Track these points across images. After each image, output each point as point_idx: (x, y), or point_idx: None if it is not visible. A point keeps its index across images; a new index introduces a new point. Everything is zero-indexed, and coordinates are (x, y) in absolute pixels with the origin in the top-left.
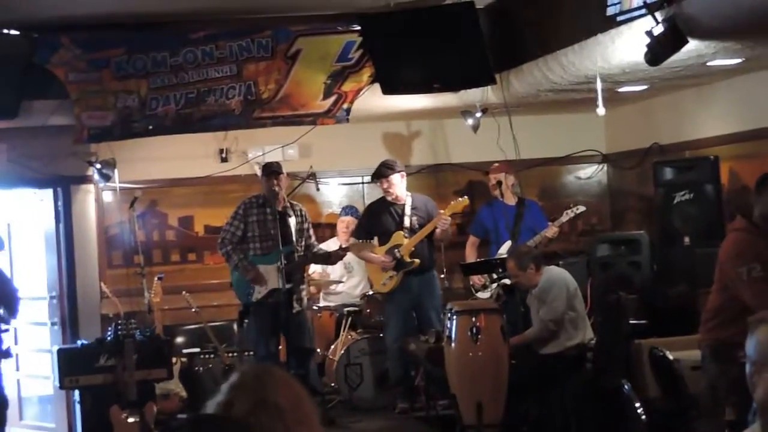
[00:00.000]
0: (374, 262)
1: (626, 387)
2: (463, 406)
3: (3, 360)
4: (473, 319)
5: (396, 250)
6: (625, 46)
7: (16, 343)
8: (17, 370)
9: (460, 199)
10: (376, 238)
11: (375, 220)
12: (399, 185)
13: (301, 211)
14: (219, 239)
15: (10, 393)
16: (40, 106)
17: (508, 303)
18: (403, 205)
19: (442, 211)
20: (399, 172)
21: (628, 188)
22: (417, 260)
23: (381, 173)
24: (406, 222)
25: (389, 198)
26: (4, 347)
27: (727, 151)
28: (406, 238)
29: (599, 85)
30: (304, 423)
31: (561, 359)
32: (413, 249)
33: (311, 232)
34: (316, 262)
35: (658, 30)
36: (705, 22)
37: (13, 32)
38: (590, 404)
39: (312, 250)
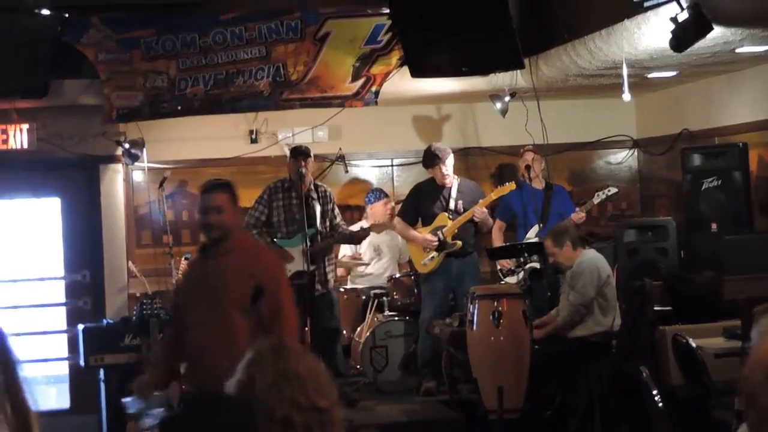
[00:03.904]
0: (417, 241)
1: (644, 374)
2: (484, 390)
3: None
4: (495, 303)
5: (439, 231)
6: (652, 32)
7: None
8: None
9: (507, 183)
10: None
11: (422, 201)
12: (451, 170)
13: (325, 192)
14: (243, 224)
15: None
16: (70, 85)
17: (535, 288)
18: (450, 188)
19: (480, 201)
20: (450, 155)
21: (657, 174)
22: (459, 242)
23: (435, 161)
24: (452, 205)
25: (441, 183)
26: None
27: (756, 138)
28: (450, 220)
29: (625, 71)
30: (321, 392)
31: (586, 344)
32: (456, 231)
33: (337, 212)
34: (339, 243)
35: (683, 16)
36: (730, 9)
37: (44, 12)
38: (613, 390)
39: (337, 230)
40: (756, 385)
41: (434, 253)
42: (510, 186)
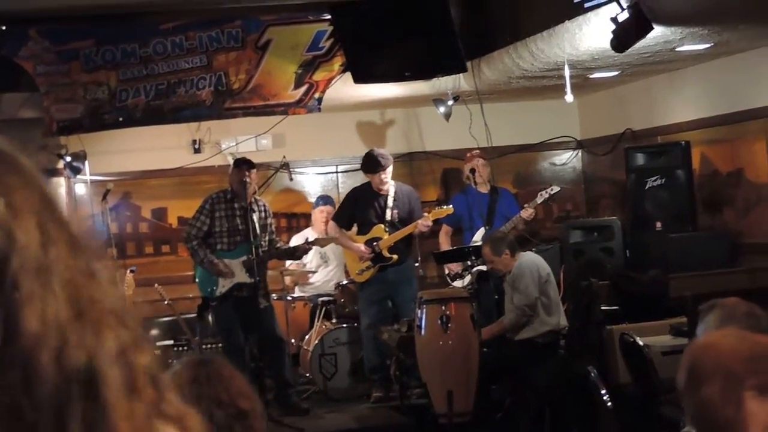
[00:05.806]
0: (353, 250)
1: (593, 374)
2: (434, 394)
3: None
4: (443, 307)
5: (375, 243)
6: (593, 33)
7: None
8: None
9: (444, 207)
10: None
11: (358, 208)
12: (390, 177)
13: (264, 206)
14: (184, 234)
15: None
16: (9, 99)
17: (482, 291)
18: (386, 196)
19: (426, 215)
20: (391, 162)
21: (602, 174)
22: (395, 256)
23: (376, 168)
24: (388, 215)
25: (377, 189)
26: None
27: (698, 136)
28: (386, 232)
29: (567, 72)
30: (244, 395)
31: (534, 345)
32: (392, 245)
33: (273, 227)
34: (281, 258)
35: (623, 16)
36: (669, 8)
37: None
38: (563, 391)
39: (275, 245)
40: (682, 385)
41: (369, 264)
42: (447, 210)
